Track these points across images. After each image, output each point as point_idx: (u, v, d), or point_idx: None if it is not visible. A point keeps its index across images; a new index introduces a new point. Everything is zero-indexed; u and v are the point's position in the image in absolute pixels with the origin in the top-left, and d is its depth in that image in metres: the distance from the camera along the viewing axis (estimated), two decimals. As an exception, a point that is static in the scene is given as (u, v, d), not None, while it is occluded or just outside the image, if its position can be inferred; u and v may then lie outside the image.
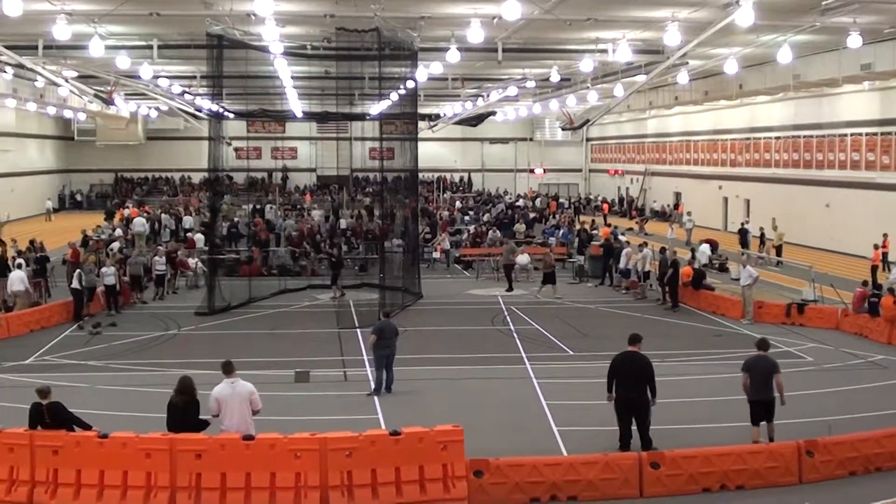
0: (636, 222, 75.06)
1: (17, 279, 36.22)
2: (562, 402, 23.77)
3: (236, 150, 70.29)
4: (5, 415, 18.82)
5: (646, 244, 43.28)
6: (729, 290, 39.07)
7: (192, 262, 45.15)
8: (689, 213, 65.26)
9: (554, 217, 69.16)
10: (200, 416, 17.61)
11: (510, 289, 42.62)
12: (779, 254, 50.70)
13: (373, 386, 24.89)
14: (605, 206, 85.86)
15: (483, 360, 29.04)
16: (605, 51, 45.21)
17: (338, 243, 50.68)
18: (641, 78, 51.21)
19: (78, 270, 35.69)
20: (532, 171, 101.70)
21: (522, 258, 46.45)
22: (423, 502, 16.67)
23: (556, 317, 36.31)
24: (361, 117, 64.64)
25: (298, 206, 71.99)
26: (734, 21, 32.79)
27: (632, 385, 19.19)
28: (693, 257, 42.11)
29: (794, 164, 60.69)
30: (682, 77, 51.14)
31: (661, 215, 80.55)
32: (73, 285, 35.61)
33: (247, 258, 48.94)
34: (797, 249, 53.03)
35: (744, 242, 53.86)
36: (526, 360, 28.83)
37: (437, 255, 52.12)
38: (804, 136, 59.42)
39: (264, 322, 36.07)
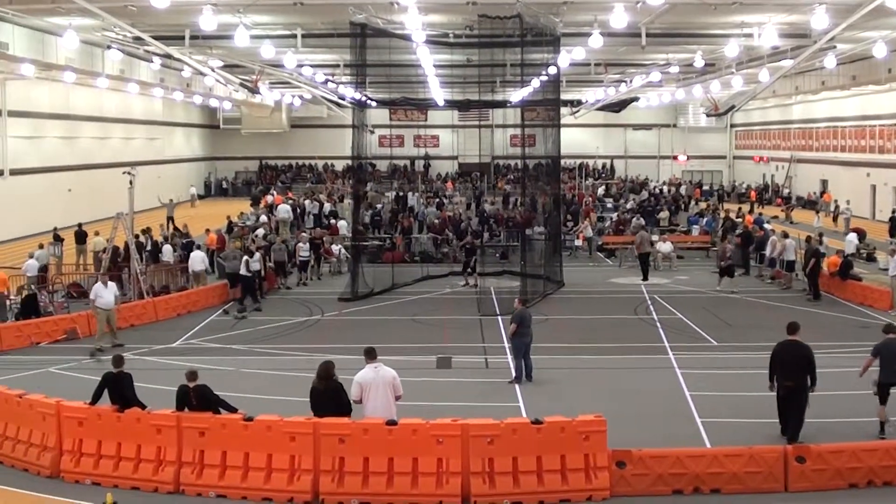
0: (782, 210, 73.72)
1: (199, 259, 38.38)
2: (705, 392, 23.43)
3: (379, 137, 70.93)
4: (153, 396, 19.21)
5: (786, 234, 42.13)
6: (877, 281, 38.10)
7: (335, 248, 45.68)
8: (847, 202, 63.36)
9: (698, 205, 68.18)
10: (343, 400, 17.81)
11: (645, 278, 42.12)
12: (929, 243, 49.25)
13: (513, 374, 24.88)
14: (753, 193, 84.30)
15: (625, 349, 28.84)
16: (750, 35, 44.44)
17: (474, 230, 50.56)
18: (787, 63, 50.17)
19: (245, 257, 36.34)
20: (675, 157, 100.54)
21: (665, 246, 45.96)
22: (564, 492, 16.62)
23: (701, 306, 35.77)
24: (503, 104, 64.62)
25: (440, 194, 72.31)
26: (884, 2, 31.91)
27: (791, 374, 18.98)
28: (820, 242, 40.89)
29: (946, 151, 58.89)
30: (830, 61, 50.01)
31: (809, 203, 78.81)
32: (241, 271, 36.21)
33: (389, 245, 49.33)
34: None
35: (893, 231, 52.41)
36: (669, 349, 28.50)
37: (579, 242, 51.83)
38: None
39: (407, 308, 36.33)
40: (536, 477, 16.68)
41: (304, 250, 41.74)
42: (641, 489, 16.83)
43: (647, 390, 24.14)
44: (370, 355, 17.92)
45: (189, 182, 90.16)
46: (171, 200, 63.42)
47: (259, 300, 36.09)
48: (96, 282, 30.69)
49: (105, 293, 29.04)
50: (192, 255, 39.13)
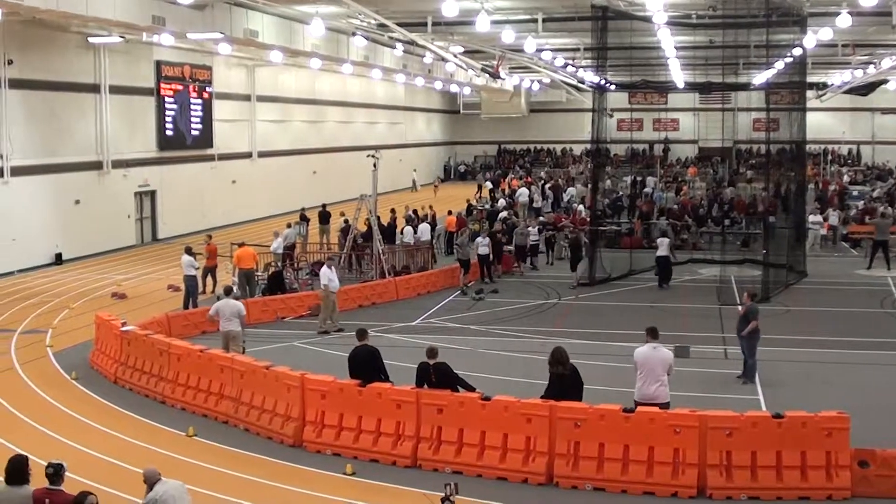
0: None
1: (426, 230, 41.11)
2: (954, 392, 22.47)
3: (618, 121, 70.35)
4: (393, 372, 19.61)
5: None
6: None
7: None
8: None
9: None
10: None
11: (869, 267, 40.60)
12: None
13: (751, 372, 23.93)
14: None
15: (869, 343, 27.74)
16: None
17: (714, 217, 49.36)
18: None
19: (478, 239, 38.07)
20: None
21: (916, 237, 44.11)
22: (803, 489, 16.18)
23: (953, 302, 34.28)
24: (746, 87, 63.19)
25: (680, 179, 71.32)
26: None
27: None
28: None
29: None
30: None
31: None
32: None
33: (628, 230, 48.94)
34: None
35: None
36: (917, 346, 27.38)
37: (823, 231, 50.25)
38: None
39: (644, 295, 35.95)
40: (775, 472, 16.30)
41: (533, 235, 41.73)
42: (884, 491, 16.20)
43: (891, 387, 23.29)
44: (651, 333, 18.22)
45: (430, 165, 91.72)
46: (487, 175, 64.77)
47: (467, 285, 36.41)
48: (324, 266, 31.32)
49: (335, 277, 29.80)
50: (420, 226, 41.41)
